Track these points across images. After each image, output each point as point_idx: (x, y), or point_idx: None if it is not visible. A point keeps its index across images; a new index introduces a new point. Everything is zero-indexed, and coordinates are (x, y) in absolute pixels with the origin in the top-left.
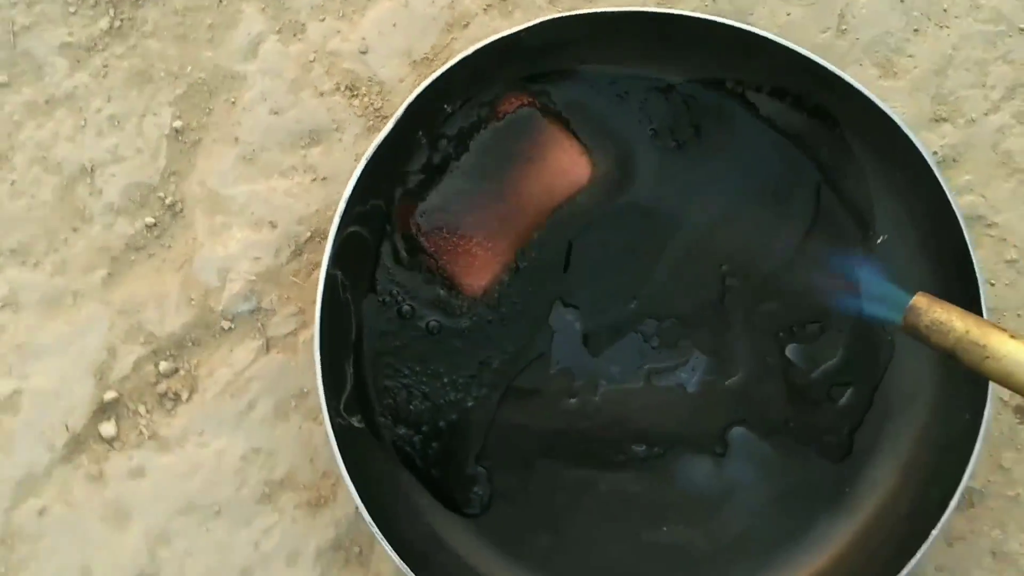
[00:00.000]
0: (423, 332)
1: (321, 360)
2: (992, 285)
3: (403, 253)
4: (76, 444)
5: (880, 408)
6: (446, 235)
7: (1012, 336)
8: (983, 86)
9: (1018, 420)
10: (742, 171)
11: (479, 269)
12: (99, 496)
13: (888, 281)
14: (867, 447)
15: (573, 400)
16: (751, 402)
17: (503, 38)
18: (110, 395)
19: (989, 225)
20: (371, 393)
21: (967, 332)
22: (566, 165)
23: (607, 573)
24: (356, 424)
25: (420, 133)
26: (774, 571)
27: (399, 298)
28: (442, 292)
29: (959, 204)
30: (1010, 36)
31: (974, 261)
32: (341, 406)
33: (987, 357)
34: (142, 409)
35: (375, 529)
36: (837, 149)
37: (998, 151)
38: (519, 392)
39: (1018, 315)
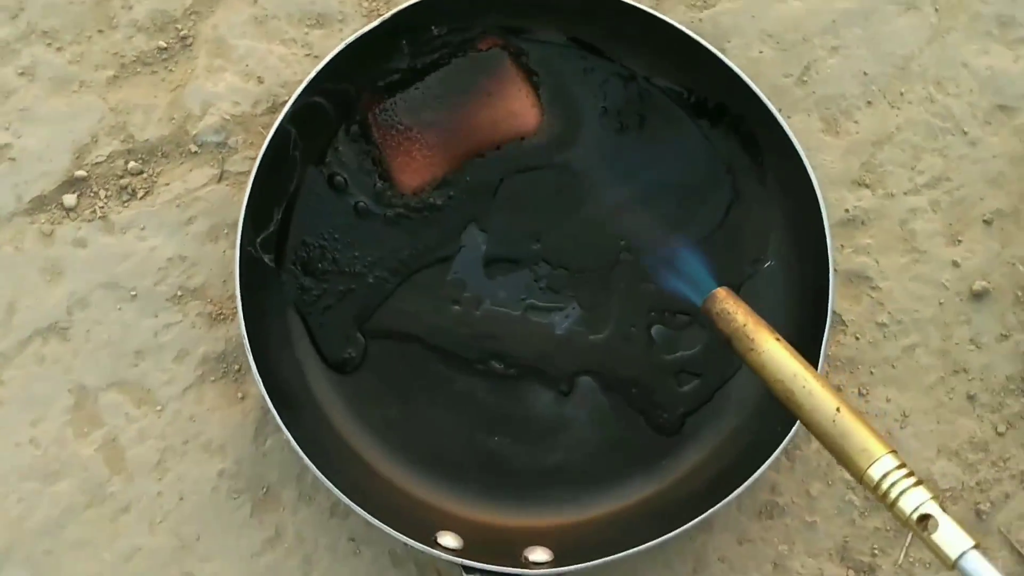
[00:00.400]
0: (351, 209)
1: (251, 193)
2: (856, 339)
3: (356, 138)
4: (40, 203)
5: (716, 404)
6: (396, 132)
7: (777, 339)
8: (911, 168)
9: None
10: (668, 168)
11: (415, 171)
12: (44, 251)
13: (706, 271)
14: (692, 432)
15: (457, 307)
16: (605, 359)
17: None
18: (80, 173)
19: (873, 288)
20: (289, 242)
21: (744, 325)
22: (517, 110)
23: (433, 457)
24: (267, 261)
25: (404, 42)
26: (575, 505)
27: (340, 175)
28: (378, 183)
29: (853, 262)
30: (952, 135)
31: (829, 307)
32: (258, 240)
33: (752, 349)
34: (102, 193)
35: (249, 352)
36: (755, 176)
37: (904, 228)
38: (415, 285)
39: (871, 371)
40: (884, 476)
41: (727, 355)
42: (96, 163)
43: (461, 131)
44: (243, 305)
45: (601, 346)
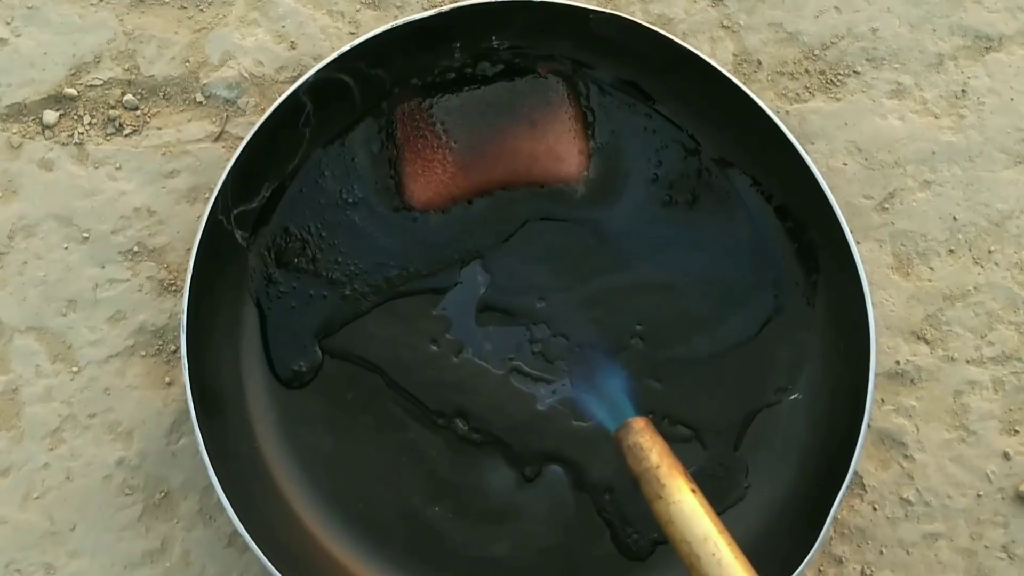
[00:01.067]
0: (349, 208)
1: (241, 157)
2: (874, 510)
3: (377, 133)
4: (18, 112)
5: None
6: (423, 138)
7: (693, 490)
8: (981, 337)
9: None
10: (710, 259)
11: (431, 185)
12: (4, 163)
13: (627, 395)
14: (661, 562)
15: (435, 347)
16: (584, 453)
17: (570, 7)
18: (70, 91)
19: (906, 456)
20: (270, 224)
21: (656, 467)
22: (562, 151)
23: (361, 510)
24: (238, 237)
25: (458, 44)
26: None
27: (348, 167)
28: (388, 188)
29: (890, 421)
30: None
31: (852, 464)
32: (235, 212)
33: (660, 497)
34: (87, 118)
35: (184, 333)
36: (804, 294)
37: (957, 400)
38: (394, 310)
39: (881, 551)
40: None
41: (728, 484)
42: (91, 85)
43: (494, 157)
44: (194, 276)
45: (583, 436)
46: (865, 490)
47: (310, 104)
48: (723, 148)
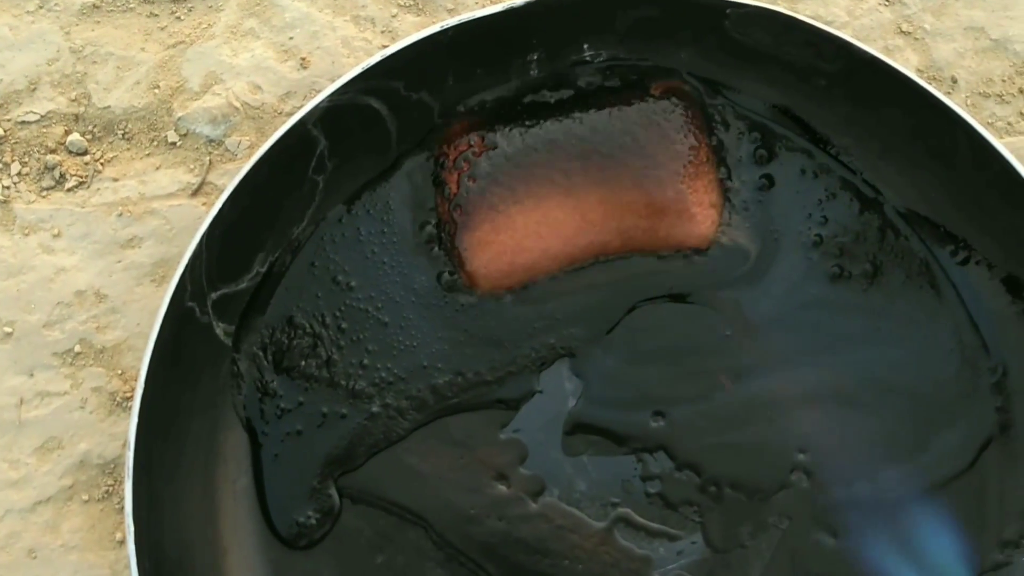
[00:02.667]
0: (379, 288)
1: (222, 214)
2: None
3: (421, 183)
4: None
5: None
6: (485, 190)
7: None
8: None
9: None
10: (905, 359)
11: (497, 255)
12: None
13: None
14: None
15: (504, 487)
16: None
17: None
18: None
19: None
20: (266, 314)
21: None
22: (687, 204)
23: None
24: (219, 333)
25: (535, 57)
26: None
27: (380, 229)
28: (438, 254)
29: None
30: None
31: None
32: (212, 296)
33: None
34: (15, 167)
35: (130, 479)
36: None
37: None
38: (443, 432)
39: None
40: None
41: None
42: (22, 121)
43: (588, 214)
44: (146, 392)
45: None
46: None
47: (324, 140)
48: (917, 197)
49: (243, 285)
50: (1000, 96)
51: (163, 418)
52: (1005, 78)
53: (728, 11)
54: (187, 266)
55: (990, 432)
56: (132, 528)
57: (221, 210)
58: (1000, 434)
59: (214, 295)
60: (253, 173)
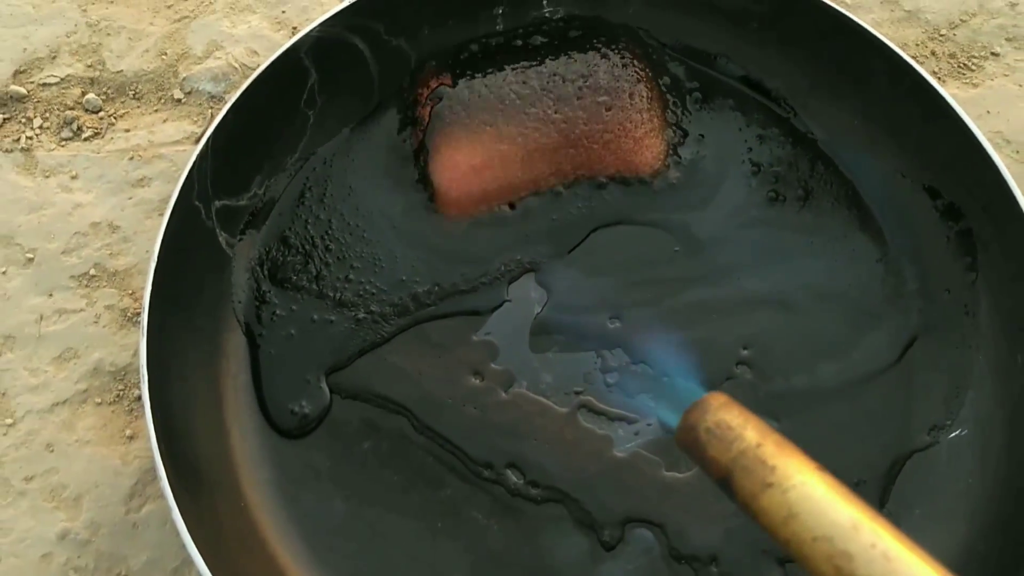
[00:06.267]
0: (364, 211)
1: (220, 129)
2: None
3: (400, 117)
4: None
5: None
6: (456, 125)
7: (819, 468)
8: None
9: None
10: (835, 268)
11: (468, 183)
12: None
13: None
14: None
15: (477, 380)
16: (680, 512)
17: None
18: (17, 89)
19: None
20: (264, 230)
21: (757, 446)
22: (640, 138)
23: None
24: (222, 242)
25: (499, 11)
26: None
27: (364, 160)
28: (415, 182)
29: None
30: None
31: None
32: (216, 204)
33: (771, 484)
34: (37, 121)
35: (144, 371)
36: (963, 302)
37: None
38: (423, 335)
39: None
40: None
41: None
42: (44, 83)
43: (553, 145)
44: (154, 294)
45: (678, 490)
46: None
47: (315, 74)
48: (842, 127)
49: (243, 202)
50: (915, 57)
51: (172, 315)
52: (919, 43)
53: None
54: (194, 165)
55: (915, 331)
56: (151, 411)
57: (224, 118)
58: (922, 332)
59: (217, 203)
60: (252, 90)
